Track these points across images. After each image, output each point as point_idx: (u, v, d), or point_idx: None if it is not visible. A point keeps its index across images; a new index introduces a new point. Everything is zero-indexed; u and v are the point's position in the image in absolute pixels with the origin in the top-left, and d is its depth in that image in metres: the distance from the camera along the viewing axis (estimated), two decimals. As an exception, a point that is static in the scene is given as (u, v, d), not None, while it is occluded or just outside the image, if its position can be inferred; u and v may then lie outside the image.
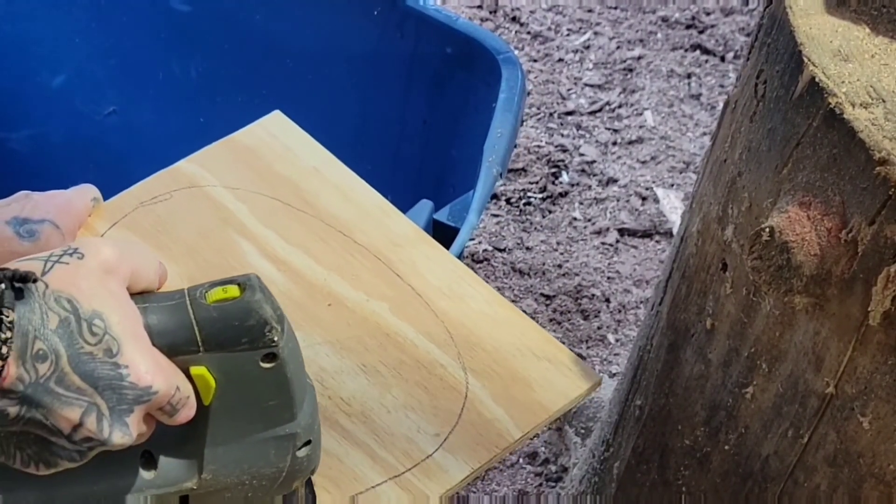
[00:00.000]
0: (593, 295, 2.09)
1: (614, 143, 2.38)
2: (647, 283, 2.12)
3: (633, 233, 2.22)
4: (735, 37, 2.61)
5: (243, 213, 1.16)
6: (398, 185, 1.54)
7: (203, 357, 0.80)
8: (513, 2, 2.63)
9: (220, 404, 0.83)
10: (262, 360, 0.81)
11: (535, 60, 2.55)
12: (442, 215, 1.38)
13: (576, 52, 2.57)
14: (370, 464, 1.00)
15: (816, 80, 0.93)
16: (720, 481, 1.17)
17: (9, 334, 0.73)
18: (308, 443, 0.86)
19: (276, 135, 1.23)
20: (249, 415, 0.83)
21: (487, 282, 1.15)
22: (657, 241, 2.21)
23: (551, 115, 2.44)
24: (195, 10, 1.76)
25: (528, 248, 2.18)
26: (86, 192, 1.10)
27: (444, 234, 1.34)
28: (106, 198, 1.14)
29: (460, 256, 1.27)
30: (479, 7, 2.64)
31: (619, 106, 2.46)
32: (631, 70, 2.54)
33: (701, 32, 2.62)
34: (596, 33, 2.60)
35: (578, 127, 2.41)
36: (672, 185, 2.30)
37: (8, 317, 0.73)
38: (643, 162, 2.35)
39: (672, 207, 2.26)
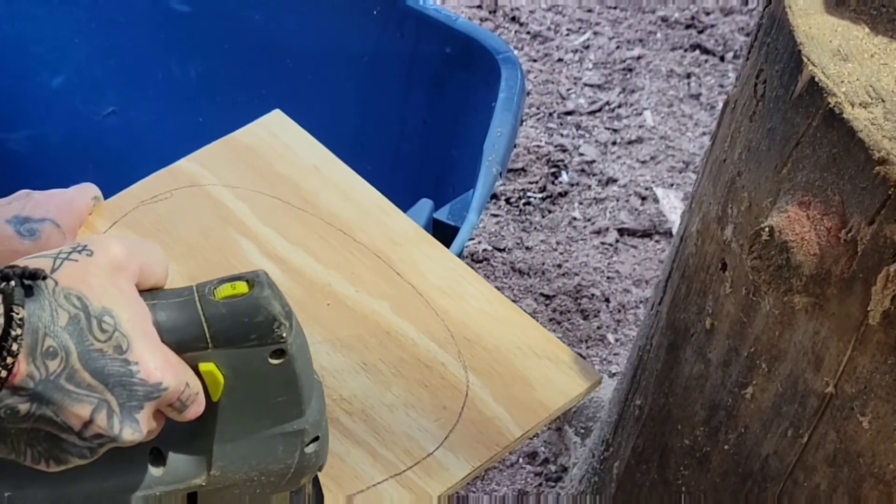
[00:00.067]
0: (593, 295, 2.09)
1: (614, 143, 2.38)
2: (647, 283, 2.12)
3: (632, 233, 2.22)
4: (734, 36, 2.61)
5: (243, 212, 1.16)
6: (398, 184, 1.54)
7: (212, 353, 0.81)
8: (512, 2, 2.63)
9: (229, 401, 0.83)
10: (270, 357, 0.81)
11: (535, 60, 2.55)
12: (442, 214, 1.38)
13: (575, 51, 2.57)
14: (371, 462, 1.00)
15: (816, 79, 0.93)
16: (720, 481, 1.17)
17: (19, 331, 0.73)
18: (316, 439, 0.86)
19: (276, 134, 1.23)
20: (258, 411, 0.83)
21: (487, 281, 1.15)
22: (657, 241, 2.21)
23: (551, 114, 2.44)
24: (195, 10, 1.76)
25: (527, 248, 2.18)
26: (86, 191, 1.10)
27: (444, 233, 1.34)
28: (106, 198, 1.14)
29: (460, 256, 1.27)
30: (479, 7, 2.64)
31: (619, 106, 2.46)
32: (630, 70, 2.54)
33: (700, 32, 2.62)
34: (595, 33, 2.60)
35: (578, 127, 2.41)
36: (672, 185, 2.30)
37: (18, 314, 0.73)
38: (643, 162, 2.35)
39: (672, 207, 2.26)
